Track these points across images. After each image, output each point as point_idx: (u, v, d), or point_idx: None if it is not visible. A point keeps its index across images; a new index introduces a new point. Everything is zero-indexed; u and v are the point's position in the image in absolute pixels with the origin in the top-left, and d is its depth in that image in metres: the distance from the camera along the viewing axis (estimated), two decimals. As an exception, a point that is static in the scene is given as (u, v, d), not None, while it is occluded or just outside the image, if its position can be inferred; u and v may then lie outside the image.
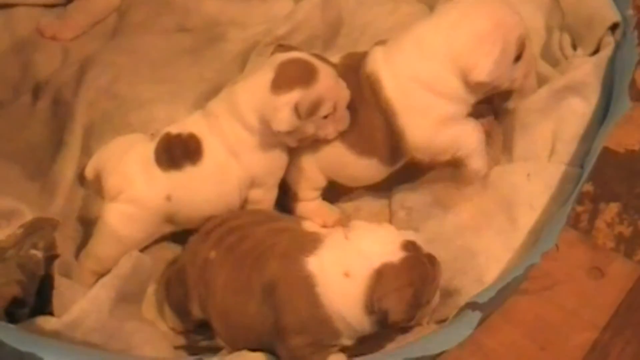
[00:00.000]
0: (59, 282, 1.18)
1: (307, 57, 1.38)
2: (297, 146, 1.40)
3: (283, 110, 1.33)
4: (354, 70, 1.42)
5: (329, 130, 1.39)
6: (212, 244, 1.32)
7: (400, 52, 1.40)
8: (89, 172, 1.41)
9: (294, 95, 1.33)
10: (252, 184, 1.41)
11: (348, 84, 1.39)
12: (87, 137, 1.50)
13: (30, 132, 1.54)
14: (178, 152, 1.38)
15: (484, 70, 1.36)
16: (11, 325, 1.13)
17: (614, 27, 1.54)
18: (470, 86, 1.38)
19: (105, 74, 1.55)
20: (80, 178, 1.47)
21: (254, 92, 1.37)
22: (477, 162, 1.43)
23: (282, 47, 1.43)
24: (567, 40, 1.60)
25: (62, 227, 1.33)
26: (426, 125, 1.39)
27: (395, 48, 1.41)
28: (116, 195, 1.36)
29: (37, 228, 1.18)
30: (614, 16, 1.53)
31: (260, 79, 1.37)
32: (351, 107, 1.39)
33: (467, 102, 1.41)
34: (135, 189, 1.36)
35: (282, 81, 1.34)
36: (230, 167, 1.39)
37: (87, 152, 1.48)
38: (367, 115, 1.40)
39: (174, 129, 1.40)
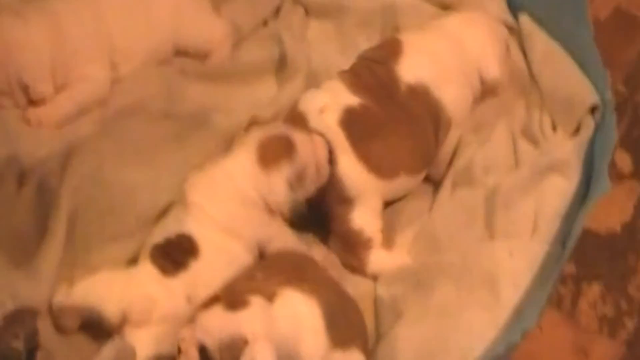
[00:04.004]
0: (41, 373, 1.18)
1: (282, 130, 1.46)
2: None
3: (278, 185, 1.42)
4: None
5: (312, 188, 1.46)
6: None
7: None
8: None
9: (283, 170, 1.42)
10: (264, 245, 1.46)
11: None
12: (71, 223, 1.49)
13: (15, 219, 1.53)
14: (177, 254, 1.41)
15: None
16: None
17: (593, 109, 1.57)
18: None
19: (90, 160, 1.55)
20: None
21: (246, 169, 1.44)
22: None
23: (256, 123, 1.50)
24: (547, 120, 1.62)
25: (44, 316, 1.33)
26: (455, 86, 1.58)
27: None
28: (146, 320, 1.37)
29: (18, 318, 1.18)
30: (593, 98, 1.56)
31: (246, 157, 1.44)
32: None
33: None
34: (161, 305, 1.38)
35: (267, 159, 1.43)
36: (232, 245, 1.43)
37: (71, 238, 1.48)
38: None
39: (157, 238, 1.43)
